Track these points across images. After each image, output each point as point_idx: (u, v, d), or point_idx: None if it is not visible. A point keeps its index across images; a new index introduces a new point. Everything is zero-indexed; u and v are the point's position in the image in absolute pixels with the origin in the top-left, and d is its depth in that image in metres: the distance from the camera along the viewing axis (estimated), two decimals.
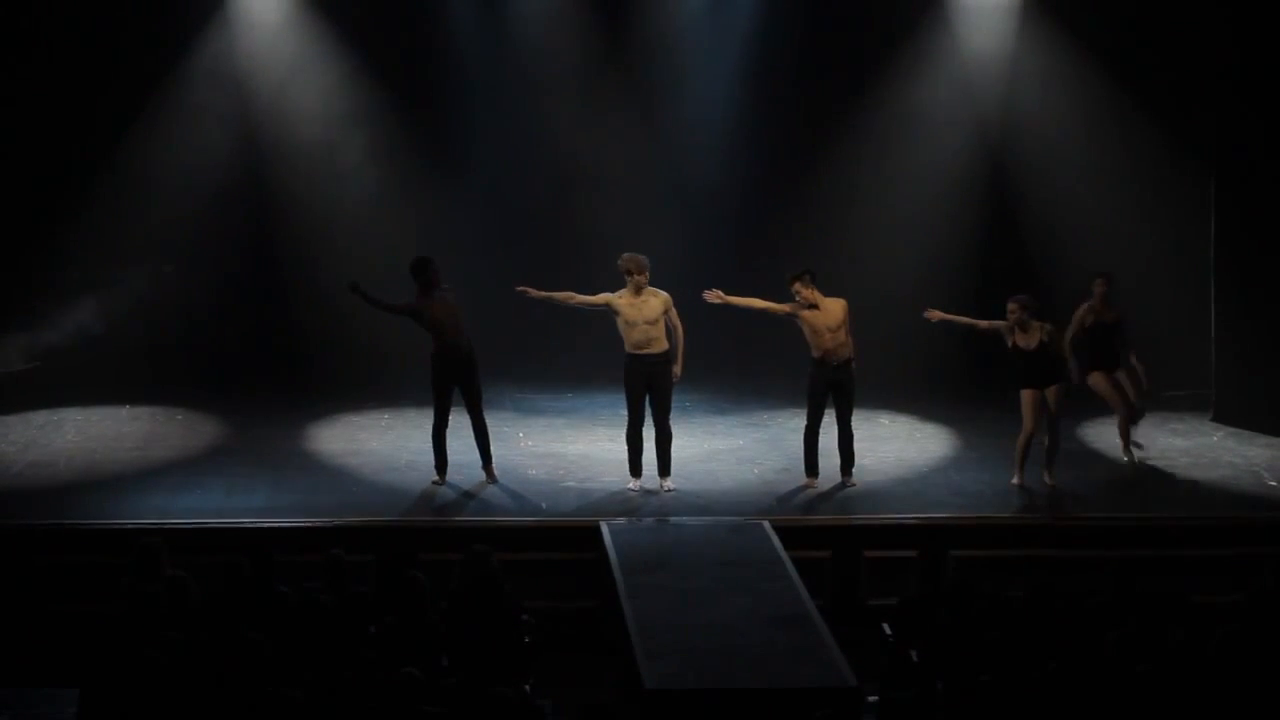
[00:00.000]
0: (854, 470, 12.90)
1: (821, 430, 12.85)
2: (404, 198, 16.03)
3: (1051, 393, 12.58)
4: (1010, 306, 12.55)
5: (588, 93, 16.19)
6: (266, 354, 15.87)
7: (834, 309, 12.65)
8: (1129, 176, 15.79)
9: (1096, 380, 13.20)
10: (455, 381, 12.79)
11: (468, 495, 12.59)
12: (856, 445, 12.96)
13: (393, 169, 16.03)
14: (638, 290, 12.48)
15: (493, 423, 14.36)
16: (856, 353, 12.79)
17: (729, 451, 13.80)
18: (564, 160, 16.23)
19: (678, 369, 12.66)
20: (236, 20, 15.76)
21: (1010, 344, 12.57)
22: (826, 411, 12.81)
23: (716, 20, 16.20)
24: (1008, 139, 16.10)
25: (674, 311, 12.61)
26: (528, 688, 9.21)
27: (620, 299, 12.54)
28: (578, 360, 15.77)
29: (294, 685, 8.29)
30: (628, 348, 12.58)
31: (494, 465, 12.98)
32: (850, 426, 12.86)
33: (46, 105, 15.46)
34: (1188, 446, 14.02)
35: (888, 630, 9.70)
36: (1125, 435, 13.35)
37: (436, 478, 12.84)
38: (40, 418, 14.68)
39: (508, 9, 16.09)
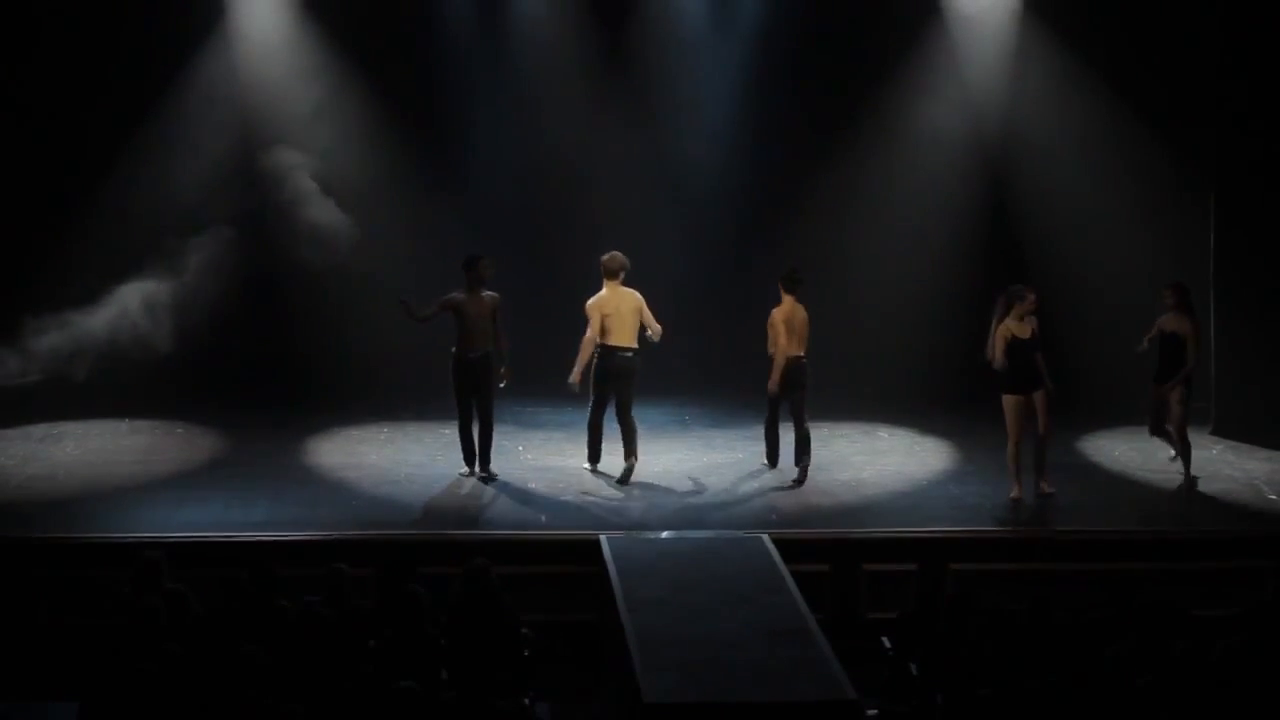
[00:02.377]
0: (806, 469, 13.15)
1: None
2: (404, 207, 16.02)
3: (1039, 398, 12.66)
4: (1031, 297, 12.63)
5: (589, 99, 16.20)
6: (265, 368, 15.85)
7: (783, 310, 13.10)
8: (1128, 190, 15.78)
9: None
10: (471, 384, 13.16)
11: (468, 508, 12.59)
12: (855, 457, 13.26)
13: (392, 179, 16.02)
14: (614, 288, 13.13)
15: (493, 436, 14.44)
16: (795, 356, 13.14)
17: (728, 465, 13.79)
18: (564, 166, 16.23)
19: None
20: (235, 35, 15.77)
21: (1011, 337, 12.56)
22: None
23: (717, 27, 16.24)
24: (1008, 152, 16.09)
25: (647, 312, 13.18)
26: (526, 701, 9.21)
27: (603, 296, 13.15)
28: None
29: (293, 699, 8.29)
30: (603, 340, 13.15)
31: (491, 466, 13.29)
32: (797, 424, 13.20)
33: (44, 121, 15.46)
34: None
35: (887, 644, 9.70)
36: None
37: (465, 470, 13.28)
38: (40, 431, 14.68)
39: (508, 16, 16.12)
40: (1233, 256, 14.88)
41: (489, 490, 13.00)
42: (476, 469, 13.31)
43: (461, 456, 13.34)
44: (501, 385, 13.26)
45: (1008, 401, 12.64)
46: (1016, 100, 16.03)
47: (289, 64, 15.86)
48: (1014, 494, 12.71)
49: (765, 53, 16.19)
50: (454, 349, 13.19)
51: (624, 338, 13.11)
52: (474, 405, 13.22)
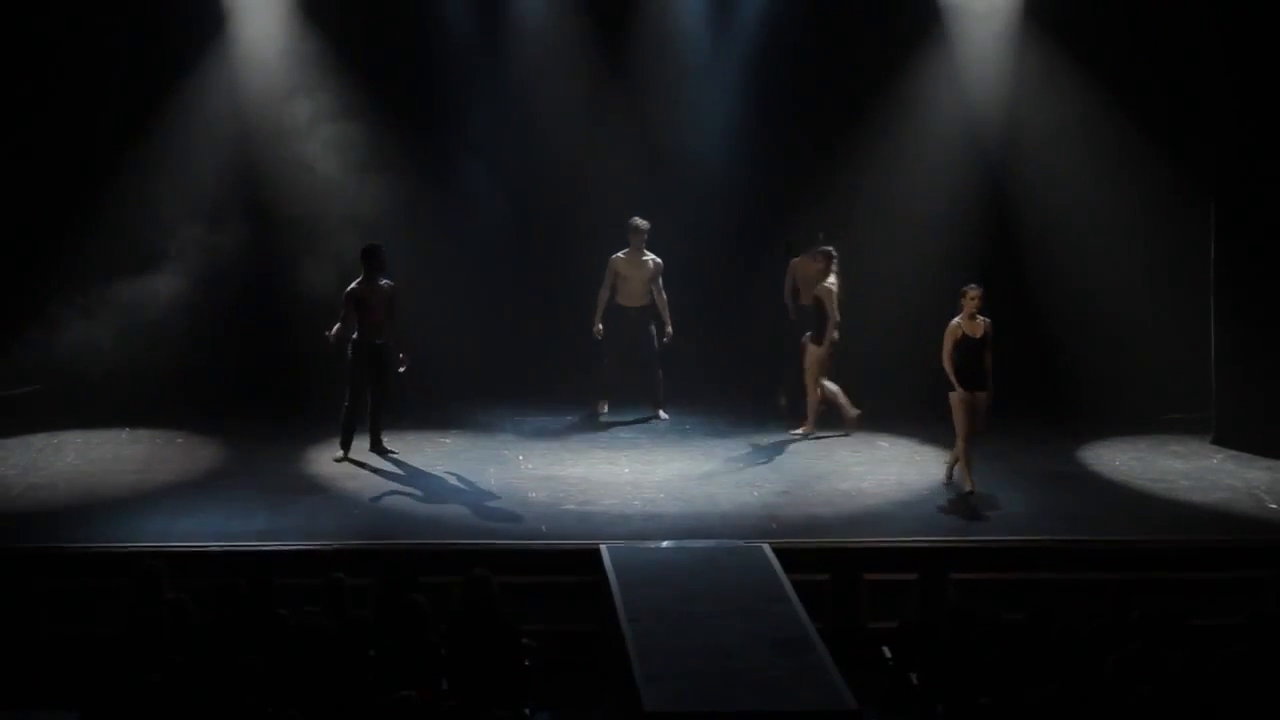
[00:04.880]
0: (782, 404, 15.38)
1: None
2: (404, 216, 16.00)
3: (981, 398, 12.91)
4: (974, 294, 12.90)
5: (589, 102, 16.21)
6: (266, 377, 15.84)
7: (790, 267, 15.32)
8: (1129, 198, 15.77)
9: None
10: (370, 371, 13.72)
11: (468, 518, 12.58)
12: (857, 467, 13.52)
13: (392, 188, 16.00)
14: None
15: (493, 445, 14.45)
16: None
17: (728, 474, 13.79)
18: (564, 170, 16.23)
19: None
20: (236, 43, 15.80)
21: (960, 335, 12.86)
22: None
23: (717, 31, 16.28)
24: (1007, 160, 16.10)
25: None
26: (527, 711, 9.21)
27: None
28: (578, 383, 15.79)
29: (293, 709, 8.28)
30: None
31: (384, 444, 14.03)
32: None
33: (46, 128, 15.47)
34: (1188, 469, 14.01)
35: (888, 653, 9.69)
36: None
37: (340, 455, 13.82)
38: (40, 441, 14.66)
39: (508, 22, 16.14)
40: (1233, 264, 14.86)
41: (489, 499, 12.99)
42: (348, 453, 13.85)
43: (340, 440, 13.87)
44: (401, 370, 13.77)
45: (953, 398, 12.89)
46: (1016, 108, 16.03)
47: (289, 71, 15.89)
48: (968, 489, 12.88)
49: (765, 56, 16.21)
50: (355, 336, 13.65)
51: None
52: (371, 391, 13.78)
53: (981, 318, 12.92)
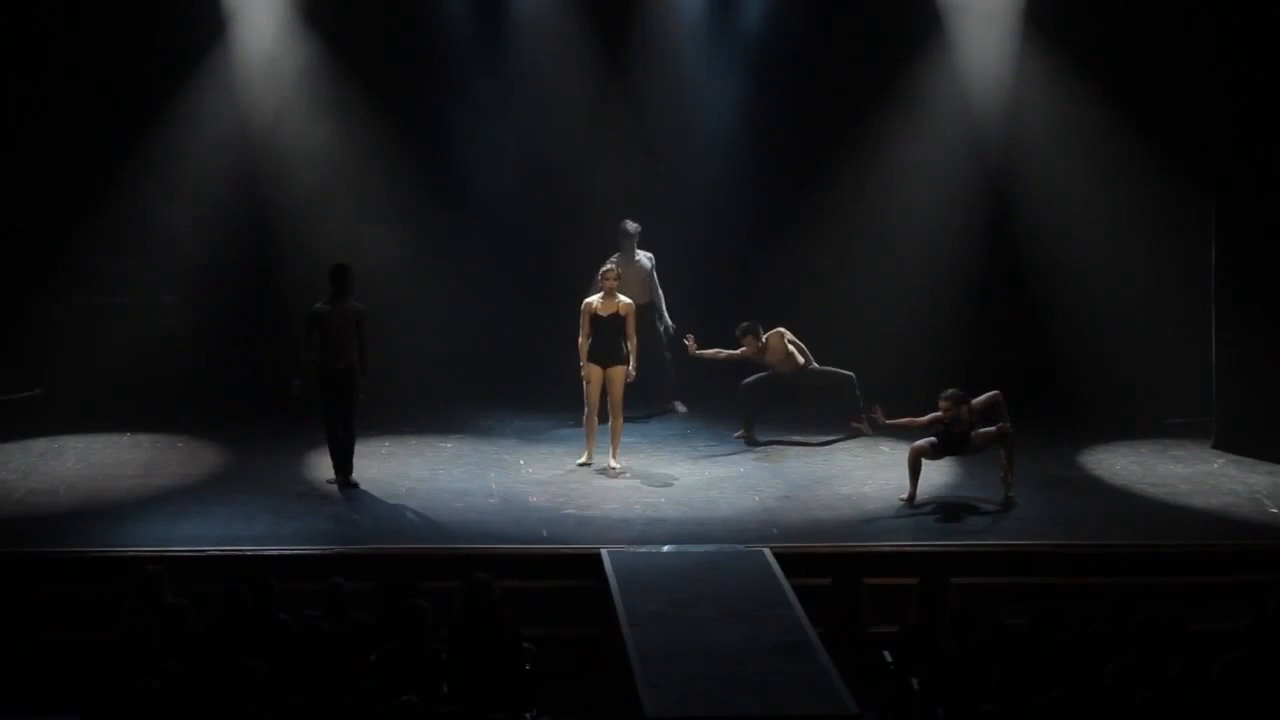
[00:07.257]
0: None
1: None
2: (403, 223, 16.03)
3: (987, 434, 13.06)
4: (943, 404, 12.97)
5: (588, 110, 16.22)
6: (267, 381, 15.82)
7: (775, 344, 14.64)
8: (1129, 203, 15.78)
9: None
10: (333, 396, 13.12)
11: (469, 523, 12.58)
12: (858, 472, 13.60)
13: (391, 194, 16.03)
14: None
15: (495, 450, 14.43)
16: None
17: (729, 479, 13.78)
18: (563, 177, 16.24)
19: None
20: (236, 50, 15.82)
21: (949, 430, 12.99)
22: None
23: (717, 39, 16.28)
24: (1008, 167, 16.10)
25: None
26: (528, 715, 9.21)
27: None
28: (579, 387, 15.76)
29: (294, 713, 8.28)
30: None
31: (352, 476, 13.27)
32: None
33: (47, 133, 15.48)
34: (1189, 474, 13.99)
35: (889, 658, 9.69)
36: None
37: (332, 478, 13.26)
38: (41, 445, 14.65)
39: (507, 30, 16.15)
40: (1234, 269, 14.84)
41: (490, 504, 12.98)
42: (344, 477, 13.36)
43: (332, 466, 13.32)
44: (362, 398, 13.21)
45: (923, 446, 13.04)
46: (1017, 115, 16.03)
47: (288, 75, 15.90)
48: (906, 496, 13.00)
49: (764, 57, 16.21)
50: (318, 360, 13.08)
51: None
52: (339, 420, 13.17)
53: (965, 409, 12.96)
